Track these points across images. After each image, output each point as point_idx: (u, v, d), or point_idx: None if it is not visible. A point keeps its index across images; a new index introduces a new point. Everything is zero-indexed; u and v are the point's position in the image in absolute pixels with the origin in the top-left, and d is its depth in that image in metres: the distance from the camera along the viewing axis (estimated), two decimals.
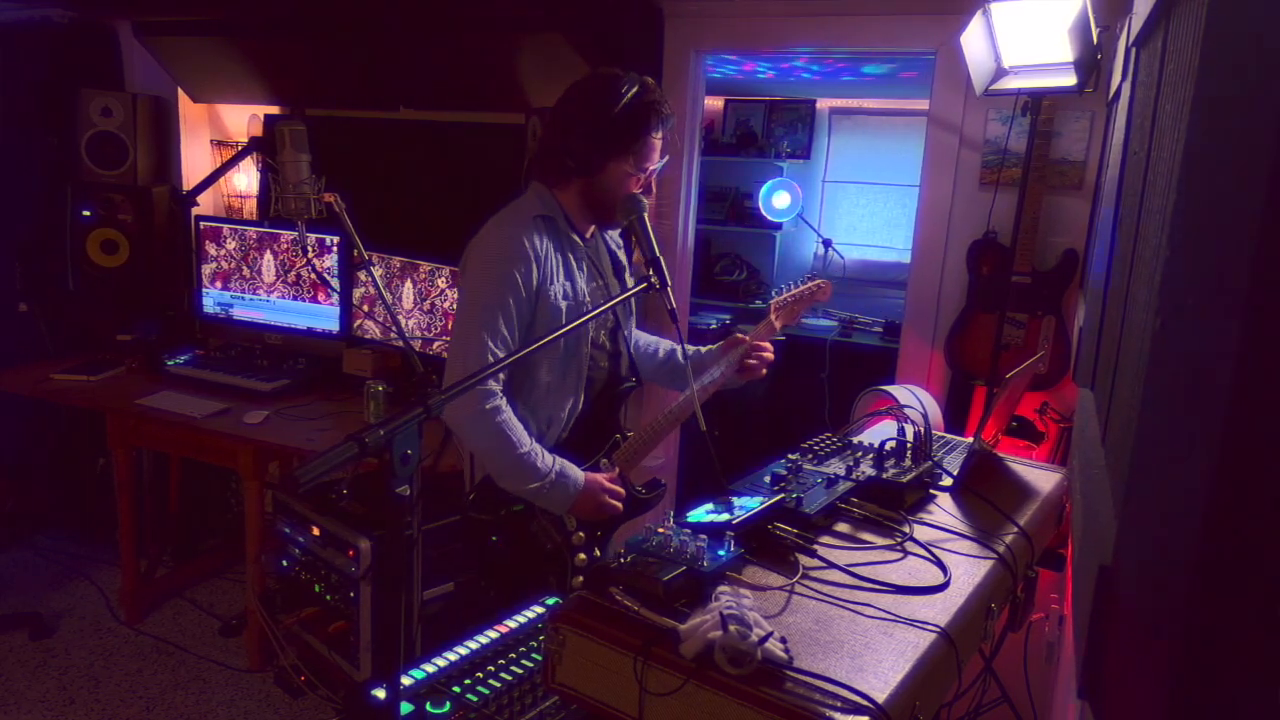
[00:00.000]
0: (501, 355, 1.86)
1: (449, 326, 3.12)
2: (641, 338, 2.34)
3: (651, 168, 2.00)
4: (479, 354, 1.87)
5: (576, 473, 1.94)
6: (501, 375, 1.92)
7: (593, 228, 2.11)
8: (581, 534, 2.03)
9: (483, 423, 1.87)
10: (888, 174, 5.07)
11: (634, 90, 1.94)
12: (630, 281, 2.21)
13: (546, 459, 1.91)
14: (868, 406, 2.68)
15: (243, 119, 4.10)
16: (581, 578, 1.99)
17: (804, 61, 4.07)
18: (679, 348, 2.31)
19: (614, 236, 2.24)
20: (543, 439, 1.99)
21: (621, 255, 2.24)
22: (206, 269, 3.61)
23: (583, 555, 2.04)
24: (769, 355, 2.20)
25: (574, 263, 2.03)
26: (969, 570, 1.42)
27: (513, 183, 3.09)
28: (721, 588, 1.21)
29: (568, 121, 1.98)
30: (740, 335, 2.18)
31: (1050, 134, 2.60)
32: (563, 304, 1.98)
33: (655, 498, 2.18)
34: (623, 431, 2.15)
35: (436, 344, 3.16)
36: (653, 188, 2.04)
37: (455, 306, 2.08)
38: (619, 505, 2.01)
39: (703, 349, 2.33)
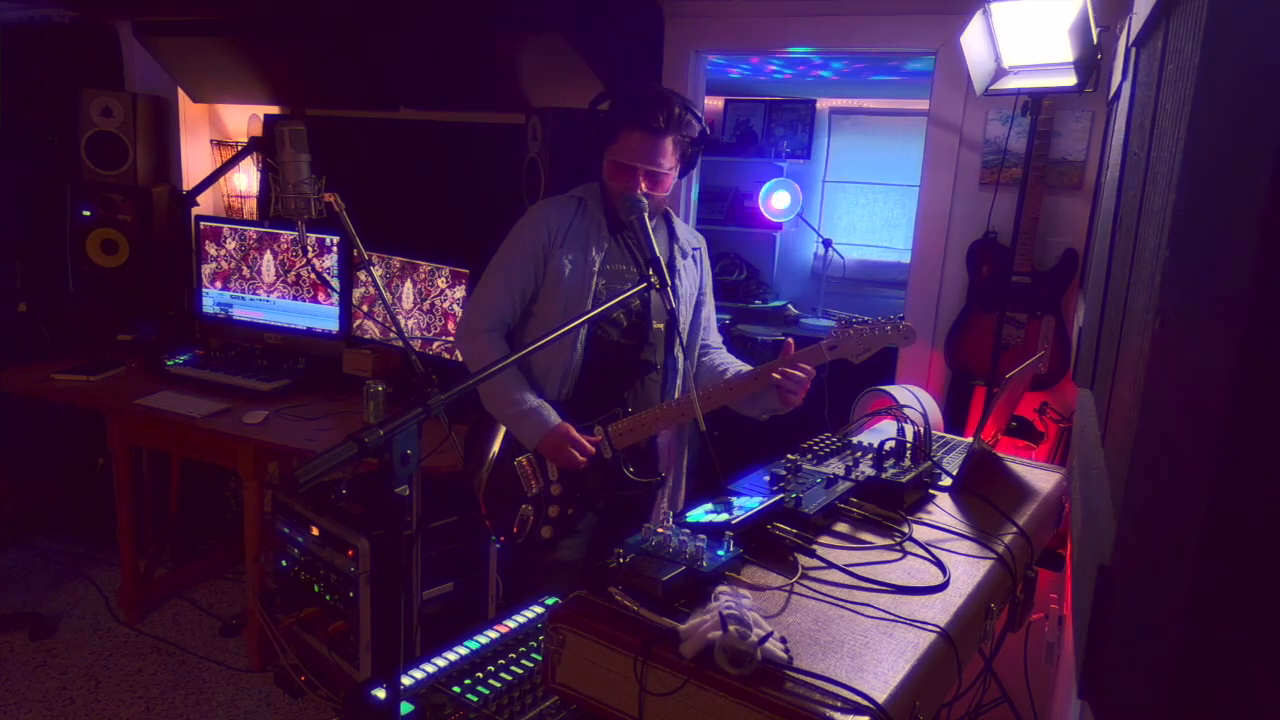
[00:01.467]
0: (504, 303, 2.20)
1: (449, 327, 3.13)
2: (718, 356, 2.40)
3: (626, 162, 2.11)
4: (488, 302, 2.20)
5: (552, 415, 2.13)
6: (497, 319, 2.21)
7: (654, 220, 2.19)
8: (559, 487, 2.18)
9: (470, 340, 2.21)
10: (887, 174, 5.07)
11: (634, 90, 2.16)
12: (683, 287, 2.31)
13: (527, 392, 2.15)
14: (867, 406, 2.68)
15: (243, 119, 4.10)
16: (549, 528, 2.21)
17: (822, 59, 4.06)
18: (732, 366, 2.34)
19: (685, 244, 2.33)
20: (541, 391, 2.19)
21: (682, 264, 2.30)
22: (206, 269, 3.60)
23: (555, 508, 2.20)
24: (795, 385, 2.03)
25: (593, 239, 2.20)
26: (968, 570, 1.42)
27: (513, 183, 3.09)
28: (721, 588, 1.21)
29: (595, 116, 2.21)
30: (791, 346, 2.06)
31: (1050, 134, 2.60)
32: (567, 265, 2.17)
33: (647, 485, 2.27)
34: (625, 407, 2.22)
35: (436, 344, 3.16)
36: (642, 185, 2.11)
37: (463, 302, 2.38)
38: (581, 459, 2.12)
39: (744, 368, 2.28)
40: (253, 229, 3.52)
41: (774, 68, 4.35)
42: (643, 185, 2.12)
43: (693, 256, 2.36)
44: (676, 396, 2.25)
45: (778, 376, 2.04)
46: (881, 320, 1.98)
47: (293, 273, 3.48)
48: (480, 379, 1.40)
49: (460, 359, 2.33)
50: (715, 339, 2.44)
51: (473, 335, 2.21)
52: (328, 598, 2.72)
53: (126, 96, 3.63)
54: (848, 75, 4.43)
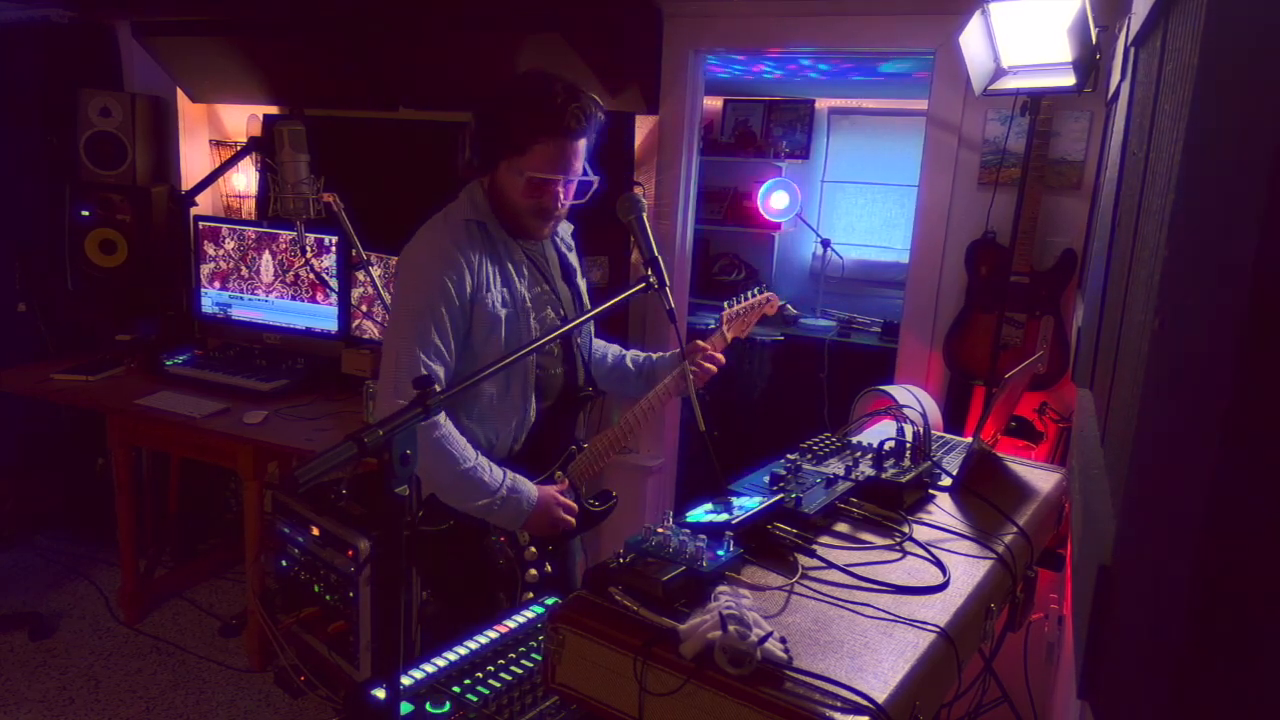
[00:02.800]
0: (435, 366, 1.80)
1: None
2: (594, 344, 2.25)
3: (534, 176, 1.85)
4: (410, 366, 1.78)
5: (529, 488, 1.88)
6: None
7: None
8: (534, 549, 1.97)
9: (420, 440, 1.78)
10: (886, 174, 5.07)
11: (531, 92, 1.84)
12: (583, 284, 2.16)
13: (495, 473, 1.84)
14: (866, 406, 2.68)
15: (242, 119, 4.10)
16: (532, 594, 1.95)
17: (810, 61, 4.07)
18: (628, 354, 2.28)
19: (565, 238, 2.15)
20: (491, 453, 1.92)
21: (573, 258, 2.16)
22: (205, 269, 3.60)
23: (534, 571, 1.98)
24: (712, 368, 2.09)
25: (511, 268, 1.94)
26: (968, 570, 1.42)
27: None
28: (721, 588, 1.21)
29: (479, 115, 1.92)
30: (701, 344, 2.10)
31: (1049, 134, 2.60)
32: (501, 311, 1.90)
33: (607, 510, 2.12)
34: (578, 443, 2.09)
35: None
36: (559, 198, 1.91)
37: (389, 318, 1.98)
38: (572, 520, 1.96)
39: (654, 355, 2.28)
40: (251, 229, 3.52)
41: (763, 67, 4.34)
42: (563, 197, 1.91)
43: (574, 247, 2.18)
44: (616, 419, 2.09)
45: (695, 369, 2.04)
46: (751, 295, 2.22)
47: (291, 273, 3.48)
48: (479, 379, 1.40)
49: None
50: (588, 331, 2.22)
51: (420, 437, 1.71)
52: (328, 598, 2.72)
53: (125, 96, 3.63)
54: (834, 75, 4.44)
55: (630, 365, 2.26)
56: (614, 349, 2.30)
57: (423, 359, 1.80)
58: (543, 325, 1.98)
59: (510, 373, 1.93)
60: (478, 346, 1.89)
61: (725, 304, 2.20)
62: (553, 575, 2.03)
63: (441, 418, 1.80)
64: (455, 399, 1.82)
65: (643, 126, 3.22)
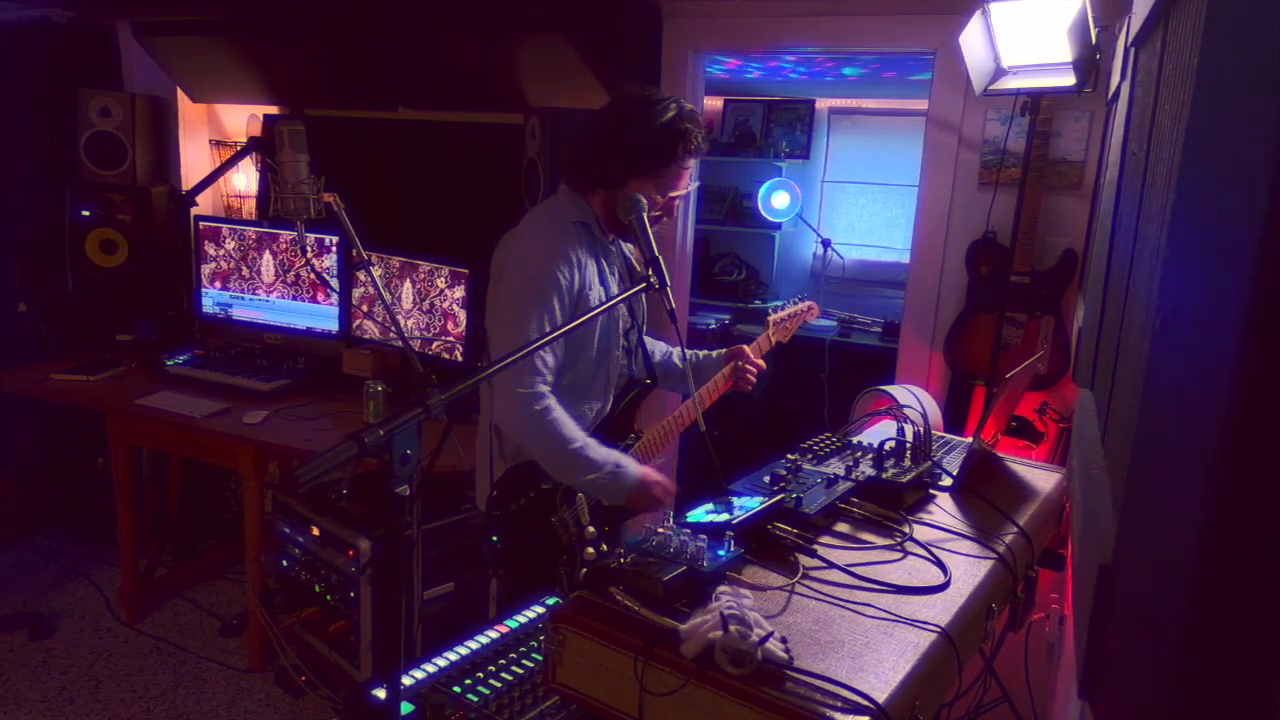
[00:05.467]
0: (548, 356, 1.94)
1: (448, 327, 3.12)
2: (648, 342, 2.38)
3: (674, 194, 2.03)
4: (533, 363, 1.90)
5: (634, 466, 2.01)
6: (549, 376, 1.96)
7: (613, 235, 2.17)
8: (592, 529, 2.06)
9: (535, 425, 1.92)
10: (887, 174, 5.07)
11: (670, 114, 1.96)
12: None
13: (601, 451, 1.97)
14: (867, 406, 2.68)
15: (242, 119, 4.10)
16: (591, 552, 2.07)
17: (793, 61, 4.07)
18: (675, 350, 2.39)
19: (628, 246, 2.27)
20: None
21: (636, 263, 2.26)
22: (205, 269, 3.60)
23: (591, 550, 2.05)
24: (753, 373, 2.31)
25: (607, 268, 2.09)
26: (969, 570, 1.42)
27: (512, 183, 3.09)
28: (722, 588, 1.21)
29: (600, 132, 2.01)
30: (745, 349, 2.30)
31: (1049, 134, 2.60)
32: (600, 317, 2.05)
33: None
34: (637, 431, 2.21)
35: (435, 344, 3.16)
36: (674, 212, 2.08)
37: (493, 308, 2.09)
38: (669, 497, 2.07)
39: (701, 354, 2.39)
40: (252, 229, 3.52)
41: (737, 64, 4.34)
42: (676, 210, 2.09)
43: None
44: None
45: (752, 369, 2.29)
46: (795, 303, 2.51)
47: (292, 273, 3.48)
48: (479, 379, 1.40)
49: (517, 435, 1.99)
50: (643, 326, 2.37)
51: (536, 421, 1.91)
52: (328, 598, 2.72)
53: (125, 96, 3.63)
54: (816, 74, 4.43)
55: (678, 362, 2.38)
56: (661, 345, 2.42)
57: (543, 353, 1.92)
58: (619, 322, 2.12)
59: (597, 367, 2.09)
60: (577, 339, 2.03)
61: (770, 309, 2.46)
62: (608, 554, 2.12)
63: (552, 402, 1.94)
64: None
65: None
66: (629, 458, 2.04)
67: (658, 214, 2.02)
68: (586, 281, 2.00)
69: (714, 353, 2.38)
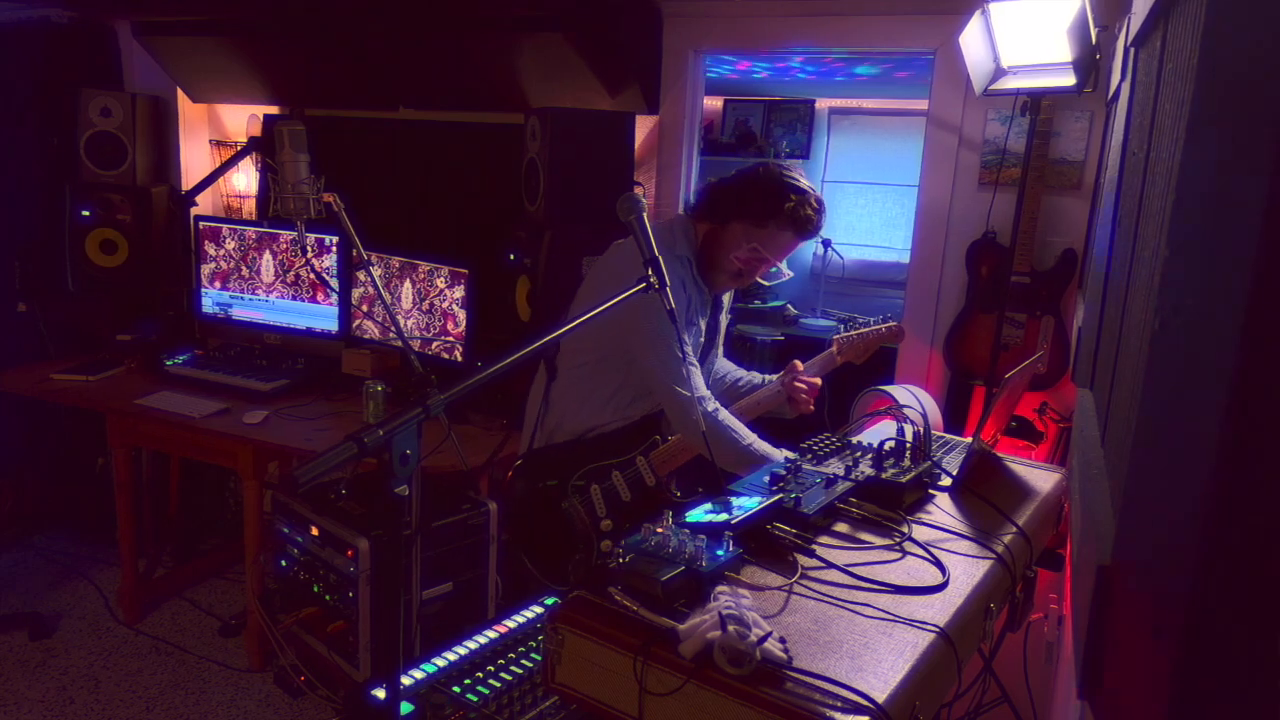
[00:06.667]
0: (694, 366, 2.08)
1: (448, 327, 3.12)
2: (723, 365, 2.49)
3: (762, 252, 2.12)
4: (680, 358, 2.00)
5: (775, 452, 2.06)
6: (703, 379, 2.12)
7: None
8: (609, 521, 2.12)
9: (709, 426, 2.02)
10: (887, 174, 5.08)
11: (797, 183, 2.11)
12: (724, 320, 2.40)
13: (767, 447, 2.06)
14: (867, 406, 2.68)
15: (242, 119, 4.10)
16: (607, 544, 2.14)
17: (800, 61, 4.07)
18: (731, 372, 2.49)
19: (727, 298, 2.39)
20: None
21: (726, 298, 2.38)
22: (205, 269, 3.60)
23: (608, 542, 2.14)
24: (803, 386, 2.27)
25: (696, 304, 2.20)
26: (968, 570, 1.42)
27: (512, 183, 3.09)
28: (720, 588, 1.21)
29: (736, 175, 2.18)
30: (796, 363, 2.31)
31: (1049, 134, 2.60)
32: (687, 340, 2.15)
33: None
34: (663, 434, 2.25)
35: (435, 344, 3.16)
36: (751, 275, 2.17)
37: (625, 327, 2.12)
38: None
39: (757, 378, 2.46)
40: (252, 229, 3.52)
41: (748, 65, 4.34)
42: (759, 271, 2.16)
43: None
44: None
45: (802, 386, 2.26)
46: (877, 323, 2.35)
47: (292, 273, 3.48)
48: (479, 379, 1.40)
49: (689, 433, 2.09)
50: (718, 349, 2.49)
51: (708, 422, 2.02)
52: (327, 598, 2.72)
53: (125, 96, 3.63)
54: (825, 74, 4.43)
55: (727, 382, 2.47)
56: (737, 372, 2.50)
57: (686, 346, 2.05)
58: (694, 338, 2.23)
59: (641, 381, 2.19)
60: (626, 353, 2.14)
61: (841, 327, 2.38)
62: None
63: (714, 404, 2.09)
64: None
65: (643, 126, 3.22)
66: (768, 444, 2.07)
67: (739, 267, 2.14)
68: (681, 314, 2.09)
69: (772, 377, 2.41)
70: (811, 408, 2.27)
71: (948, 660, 1.22)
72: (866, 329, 2.34)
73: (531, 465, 2.24)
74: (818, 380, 2.29)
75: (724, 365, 2.51)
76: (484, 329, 3.06)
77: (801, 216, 2.11)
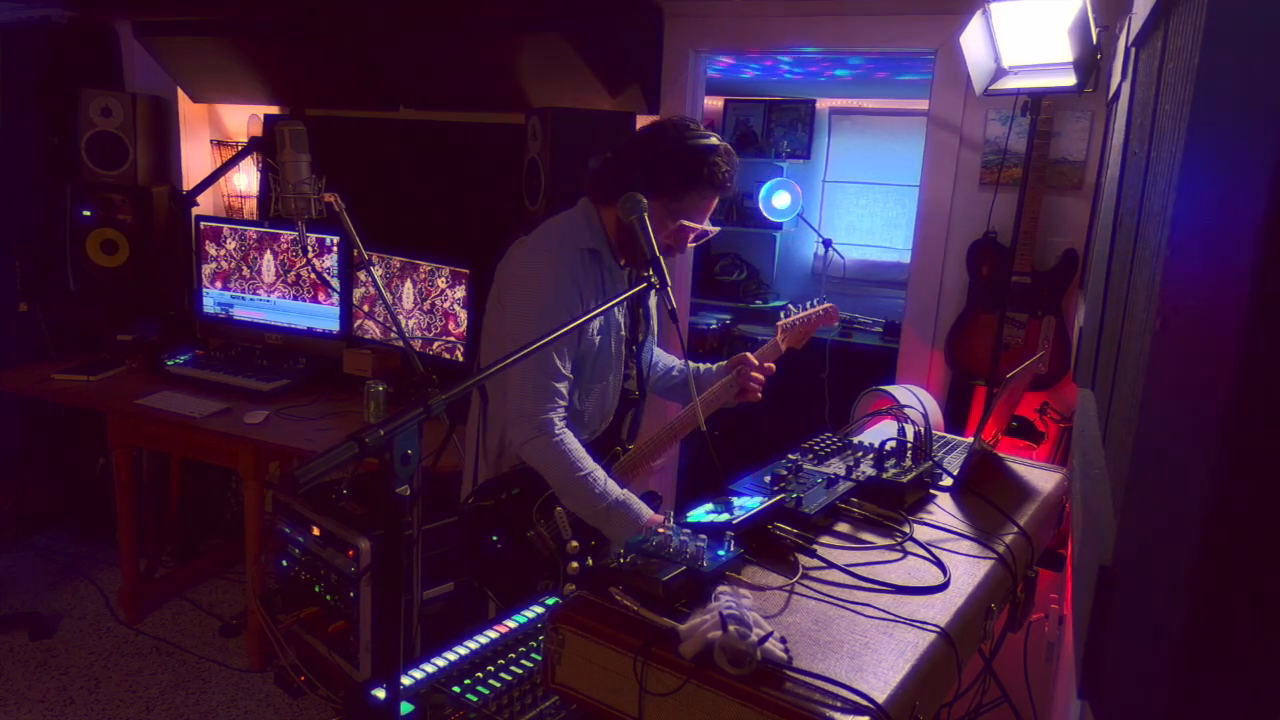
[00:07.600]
0: (566, 370, 1.93)
1: (449, 327, 3.12)
2: (658, 355, 2.36)
3: (687, 225, 1.98)
4: (551, 369, 1.90)
5: (643, 512, 1.92)
6: (563, 401, 1.94)
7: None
8: (575, 543, 1.99)
9: (540, 448, 1.91)
10: (888, 174, 5.07)
11: (704, 142, 1.95)
12: (653, 303, 2.25)
13: (610, 487, 1.92)
14: (868, 406, 2.68)
15: (243, 119, 4.10)
16: (573, 586, 1.97)
17: (789, 61, 4.06)
18: (678, 364, 2.37)
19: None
20: None
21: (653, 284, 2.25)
22: (206, 269, 3.60)
23: (575, 564, 2.01)
24: (760, 378, 2.19)
25: (613, 294, 2.03)
26: (969, 570, 1.42)
27: (513, 182, 3.09)
28: (721, 588, 1.21)
29: (630, 145, 2.00)
30: (747, 355, 2.21)
31: (1050, 134, 2.60)
32: (597, 339, 2.01)
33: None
34: (624, 444, 2.18)
35: (436, 344, 3.16)
36: (684, 245, 2.03)
37: (499, 326, 2.04)
38: None
39: (700, 366, 2.34)
40: (253, 229, 3.52)
41: (729, 62, 4.33)
42: (689, 243, 2.03)
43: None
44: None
45: (759, 377, 2.18)
46: (811, 306, 2.33)
47: (293, 273, 3.48)
48: (479, 379, 1.40)
49: (529, 459, 1.96)
50: (652, 341, 2.34)
51: (541, 445, 1.90)
52: (328, 598, 2.72)
53: (126, 96, 3.63)
54: (811, 74, 4.42)
55: (677, 375, 2.36)
56: (668, 358, 2.39)
57: (557, 362, 1.91)
58: (619, 341, 2.09)
59: (602, 395, 2.09)
60: (585, 370, 2.01)
61: (781, 313, 2.30)
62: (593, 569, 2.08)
63: (560, 425, 1.92)
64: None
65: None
66: (639, 502, 1.95)
67: (667, 243, 1.98)
68: (591, 308, 1.93)
69: (715, 365, 2.32)
70: (760, 396, 2.19)
71: (948, 660, 1.22)
72: (804, 313, 2.30)
73: (485, 489, 2.07)
74: (772, 366, 2.22)
75: (659, 354, 2.38)
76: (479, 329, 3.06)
77: (720, 176, 1.96)
